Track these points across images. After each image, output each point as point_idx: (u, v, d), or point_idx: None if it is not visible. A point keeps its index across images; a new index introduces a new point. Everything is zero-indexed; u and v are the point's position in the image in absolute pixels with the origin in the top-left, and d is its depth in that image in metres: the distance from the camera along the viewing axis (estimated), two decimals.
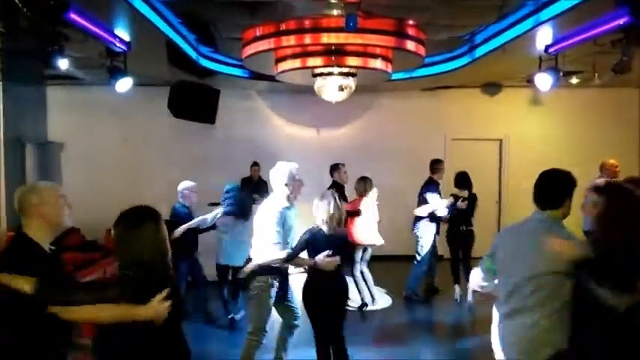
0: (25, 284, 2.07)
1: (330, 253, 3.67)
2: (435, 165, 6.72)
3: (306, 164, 4.44)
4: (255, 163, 8.10)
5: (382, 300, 6.60)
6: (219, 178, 7.46)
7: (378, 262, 7.02)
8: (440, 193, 6.60)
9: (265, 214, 3.87)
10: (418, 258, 6.61)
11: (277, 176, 3.88)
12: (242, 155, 8.64)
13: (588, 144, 8.70)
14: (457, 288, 6.54)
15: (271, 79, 6.41)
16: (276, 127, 9.16)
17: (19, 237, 2.33)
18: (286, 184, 3.84)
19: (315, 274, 3.78)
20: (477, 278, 2.83)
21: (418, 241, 6.59)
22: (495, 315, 2.71)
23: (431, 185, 6.59)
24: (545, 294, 2.39)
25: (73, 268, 4.96)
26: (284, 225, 3.81)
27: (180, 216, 5.36)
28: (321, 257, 3.67)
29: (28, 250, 2.28)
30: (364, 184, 6.27)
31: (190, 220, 5.33)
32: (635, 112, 9.14)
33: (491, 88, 8.87)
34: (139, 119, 8.65)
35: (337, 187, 6.43)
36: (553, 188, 2.56)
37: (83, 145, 8.57)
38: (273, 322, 4.16)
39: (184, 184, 5.49)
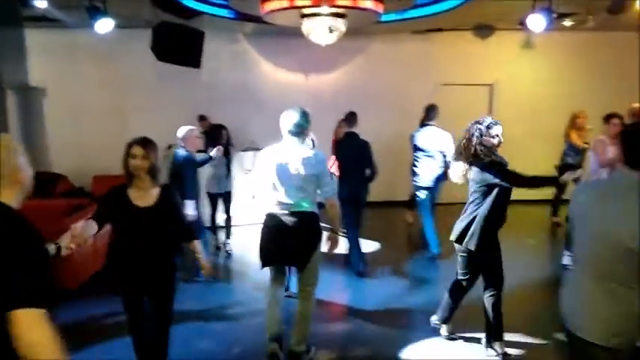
0: None
1: None
2: (432, 112, 6.15)
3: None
4: (203, 117, 7.53)
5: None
6: (205, 123, 7.38)
7: (371, 208, 7.03)
8: None
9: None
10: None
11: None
12: (228, 100, 8.51)
13: (582, 90, 8.63)
14: None
15: (258, 20, 6.21)
16: (263, 71, 8.97)
17: None
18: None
19: None
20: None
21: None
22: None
23: None
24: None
25: (62, 214, 4.94)
26: None
27: (183, 161, 5.13)
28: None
29: None
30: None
31: (194, 165, 5.30)
32: (634, 58, 8.99)
33: (483, 30, 8.68)
34: (123, 63, 8.41)
35: None
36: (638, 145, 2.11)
37: (65, 90, 8.34)
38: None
39: (185, 129, 5.26)
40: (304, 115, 3.59)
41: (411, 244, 7.23)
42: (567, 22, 7.54)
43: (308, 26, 5.31)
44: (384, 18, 6.12)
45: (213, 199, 6.52)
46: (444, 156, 5.80)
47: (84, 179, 7.91)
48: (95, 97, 8.49)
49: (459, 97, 8.84)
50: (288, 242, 3.60)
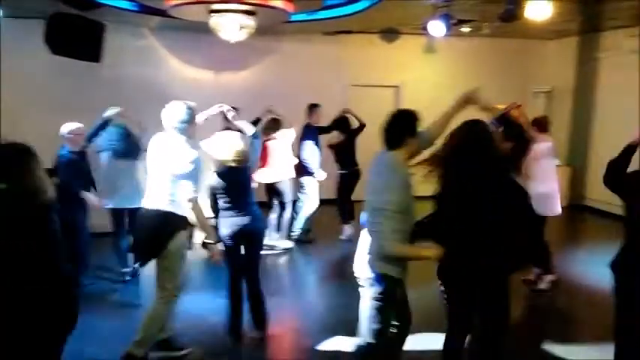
0: None
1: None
2: (312, 109, 6.89)
3: (204, 109, 4.21)
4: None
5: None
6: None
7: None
8: (317, 139, 6.80)
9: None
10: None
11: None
12: (133, 98, 8.08)
13: (481, 91, 9.22)
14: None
15: (164, 14, 5.98)
16: (171, 68, 8.66)
17: None
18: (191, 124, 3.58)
19: None
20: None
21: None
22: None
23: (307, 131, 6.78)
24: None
25: None
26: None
27: (67, 162, 4.82)
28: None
29: None
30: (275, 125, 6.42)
31: (79, 167, 4.92)
32: (523, 62, 9.79)
33: (389, 34, 8.99)
34: (13, 57, 7.71)
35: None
36: (393, 129, 2.83)
37: None
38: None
39: (69, 127, 4.91)
40: (189, 110, 3.49)
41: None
42: (465, 29, 8.02)
43: (216, 22, 5.20)
44: (294, 18, 6.15)
45: (117, 216, 5.37)
46: None
47: None
48: None
49: (368, 98, 9.12)
50: (142, 238, 3.58)
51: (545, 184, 5.01)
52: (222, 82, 8.78)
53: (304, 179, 6.70)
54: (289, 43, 8.97)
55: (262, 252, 4.12)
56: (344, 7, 6.75)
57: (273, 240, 6.47)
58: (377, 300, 2.90)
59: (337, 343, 4.03)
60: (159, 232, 3.46)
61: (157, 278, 3.57)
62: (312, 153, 6.65)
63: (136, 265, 5.14)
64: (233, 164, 3.85)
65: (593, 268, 5.65)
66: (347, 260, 4.18)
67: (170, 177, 3.41)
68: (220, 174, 3.91)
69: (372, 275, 2.88)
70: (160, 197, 3.46)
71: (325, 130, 6.93)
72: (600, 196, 8.15)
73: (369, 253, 2.93)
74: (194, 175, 3.42)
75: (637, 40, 7.72)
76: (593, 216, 8.55)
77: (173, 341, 3.78)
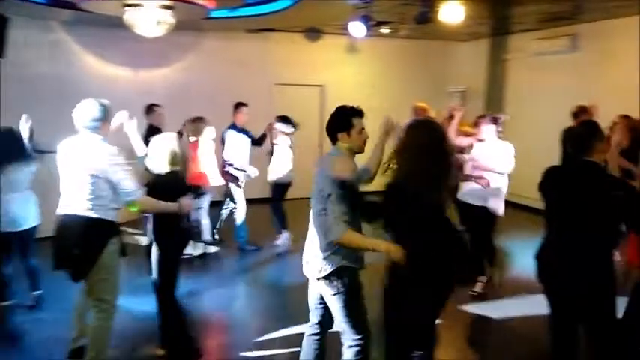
0: None
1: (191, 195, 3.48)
2: (238, 108, 6.49)
3: (122, 108, 4.00)
4: None
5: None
6: (13, 123, 6.49)
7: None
8: (244, 138, 6.48)
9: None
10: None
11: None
12: (43, 98, 7.61)
13: (398, 93, 9.59)
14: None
15: (75, 7, 5.70)
16: (85, 65, 8.24)
17: None
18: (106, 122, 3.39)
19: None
20: None
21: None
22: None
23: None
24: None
25: None
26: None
27: None
28: (184, 200, 3.48)
29: None
30: (198, 125, 5.98)
31: None
32: (440, 63, 10.24)
33: (313, 34, 9.13)
34: None
35: (153, 131, 6.13)
36: (327, 127, 2.93)
37: None
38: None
39: None
40: (102, 108, 3.30)
41: None
42: (385, 30, 8.28)
43: (132, 17, 5.02)
44: (214, 14, 6.07)
45: (4, 241, 4.38)
46: None
47: None
48: None
49: (293, 97, 9.18)
50: (63, 247, 3.28)
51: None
52: (142, 80, 8.48)
53: (231, 185, 6.40)
54: (212, 40, 8.83)
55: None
56: (265, 5, 6.75)
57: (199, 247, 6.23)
58: (340, 295, 2.83)
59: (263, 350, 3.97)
60: (88, 243, 3.23)
61: (91, 291, 3.36)
62: (238, 154, 6.38)
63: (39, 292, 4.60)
64: (168, 170, 3.57)
65: (520, 259, 5.91)
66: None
67: (90, 179, 3.19)
68: (152, 183, 3.59)
69: (329, 270, 2.81)
70: (82, 203, 3.21)
71: (257, 142, 6.60)
72: (514, 189, 8.67)
73: (321, 250, 2.86)
74: (117, 172, 3.21)
75: (542, 42, 8.31)
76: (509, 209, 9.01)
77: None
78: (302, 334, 3.20)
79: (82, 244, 3.23)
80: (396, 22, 7.75)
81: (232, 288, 5.49)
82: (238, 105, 6.52)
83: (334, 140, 2.92)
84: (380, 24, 7.63)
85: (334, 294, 2.85)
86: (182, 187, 3.65)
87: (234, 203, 6.44)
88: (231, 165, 6.33)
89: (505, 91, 9.32)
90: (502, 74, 9.34)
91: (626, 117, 5.24)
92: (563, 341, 3.02)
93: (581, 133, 2.94)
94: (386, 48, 9.69)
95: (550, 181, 3.05)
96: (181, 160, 3.66)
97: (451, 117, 5.38)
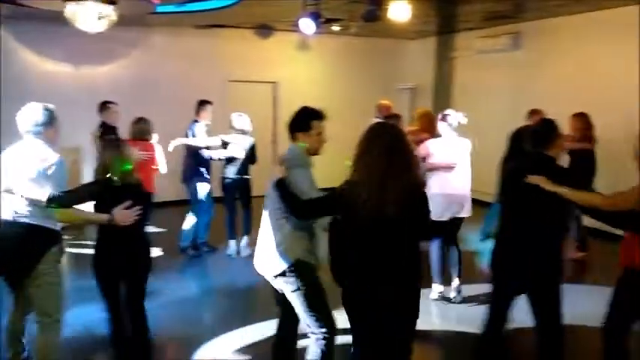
0: None
1: (130, 204, 3.07)
2: (202, 106, 6.20)
3: (64, 106, 3.81)
4: None
5: None
6: None
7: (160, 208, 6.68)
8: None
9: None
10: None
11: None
12: None
13: (348, 90, 9.70)
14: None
15: (15, 2, 5.43)
16: (23, 61, 7.86)
17: None
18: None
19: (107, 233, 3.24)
20: None
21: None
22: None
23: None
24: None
25: None
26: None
27: None
28: (118, 210, 3.08)
29: None
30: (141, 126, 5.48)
31: None
32: (389, 60, 10.39)
33: (264, 31, 9.06)
34: None
35: (107, 129, 5.91)
36: (291, 123, 2.99)
37: None
38: None
39: None
40: (47, 112, 3.14)
41: None
42: (335, 27, 8.32)
43: (72, 11, 4.82)
44: (160, 9, 5.92)
45: None
46: None
47: None
48: None
49: (247, 94, 9.09)
50: (5, 256, 3.10)
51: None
52: (84, 77, 8.17)
53: (198, 185, 6.08)
54: (160, 35, 8.61)
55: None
56: (213, 1, 6.65)
57: None
58: (301, 291, 2.81)
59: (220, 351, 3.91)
60: (26, 249, 3.07)
61: (32, 305, 3.19)
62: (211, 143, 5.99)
63: None
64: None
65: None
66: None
67: (30, 185, 3.01)
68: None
69: (285, 267, 2.80)
70: (22, 208, 3.05)
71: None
72: None
73: (276, 246, 2.86)
74: (55, 178, 3.04)
75: (486, 40, 8.58)
76: None
77: None
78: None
79: (20, 250, 3.08)
80: (346, 20, 7.79)
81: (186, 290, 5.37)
82: (203, 102, 6.21)
83: (293, 138, 2.96)
84: (329, 21, 7.66)
85: (293, 291, 2.84)
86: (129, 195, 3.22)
87: (197, 203, 6.12)
88: (210, 157, 5.98)
89: (452, 87, 9.57)
90: (449, 72, 9.58)
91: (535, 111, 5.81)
92: (502, 312, 3.20)
93: (541, 130, 3.17)
94: (336, 45, 9.74)
95: (511, 174, 3.29)
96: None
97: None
